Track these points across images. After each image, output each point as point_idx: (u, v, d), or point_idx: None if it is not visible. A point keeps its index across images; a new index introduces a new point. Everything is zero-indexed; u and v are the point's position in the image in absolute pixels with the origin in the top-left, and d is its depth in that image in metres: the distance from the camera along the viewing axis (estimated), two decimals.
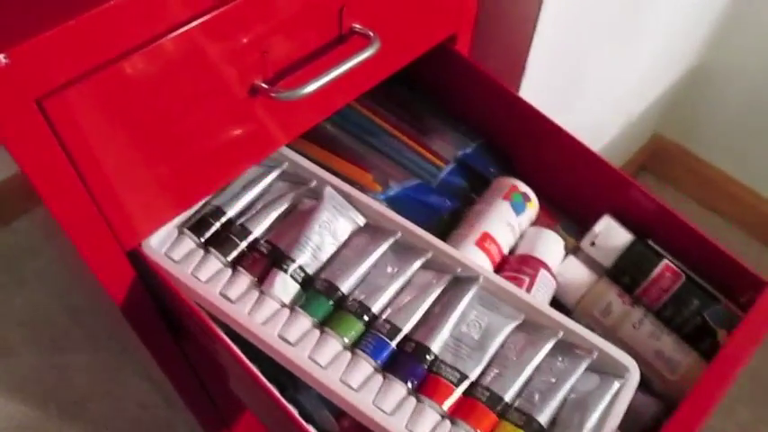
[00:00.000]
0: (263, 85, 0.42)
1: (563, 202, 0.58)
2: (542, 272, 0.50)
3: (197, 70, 0.38)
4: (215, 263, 0.46)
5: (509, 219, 0.52)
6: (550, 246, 0.52)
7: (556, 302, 0.52)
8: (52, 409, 1.09)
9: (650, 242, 0.53)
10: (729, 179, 1.33)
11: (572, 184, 0.57)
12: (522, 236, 0.53)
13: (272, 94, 0.42)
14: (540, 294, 0.49)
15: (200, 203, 0.49)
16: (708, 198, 1.34)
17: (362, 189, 0.52)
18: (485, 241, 0.50)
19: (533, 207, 0.54)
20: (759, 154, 1.28)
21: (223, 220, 0.48)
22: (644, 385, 0.50)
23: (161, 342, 0.53)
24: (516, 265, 0.50)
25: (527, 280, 0.49)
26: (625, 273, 0.52)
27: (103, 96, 0.34)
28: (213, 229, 0.47)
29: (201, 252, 0.46)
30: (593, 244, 0.53)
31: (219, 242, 0.46)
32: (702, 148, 1.35)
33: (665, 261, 0.51)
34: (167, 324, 0.53)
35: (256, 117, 0.44)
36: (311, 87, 0.42)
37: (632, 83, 1.02)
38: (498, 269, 0.51)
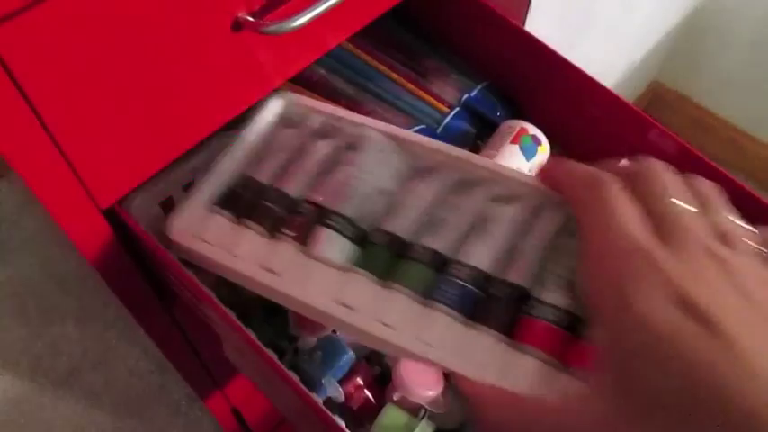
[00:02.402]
0: (248, 18, 0.37)
1: (575, 146, 0.54)
2: None
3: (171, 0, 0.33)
4: (252, 235, 0.40)
5: (519, 164, 0.48)
6: None
7: None
8: (44, 380, 1.06)
9: None
10: (729, 126, 1.31)
11: (585, 127, 0.53)
12: None
13: (259, 28, 0.37)
14: None
15: (222, 175, 0.43)
16: (707, 145, 1.31)
17: None
18: None
19: (544, 151, 0.50)
20: (759, 100, 1.25)
21: (253, 187, 0.42)
22: None
23: (148, 307, 0.50)
24: None
25: None
26: None
27: (61, 27, 0.29)
28: (244, 199, 0.41)
29: (236, 227, 0.40)
30: None
31: (255, 212, 0.40)
32: (702, 95, 1.31)
33: None
34: (154, 288, 0.49)
35: (241, 55, 0.39)
36: (301, 20, 0.38)
37: (636, 24, 0.97)
38: None
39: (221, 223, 0.41)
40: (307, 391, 0.38)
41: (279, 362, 0.40)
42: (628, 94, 1.26)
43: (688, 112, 1.33)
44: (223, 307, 0.40)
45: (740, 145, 1.31)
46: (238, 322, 0.39)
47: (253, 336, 0.39)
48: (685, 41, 1.24)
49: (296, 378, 0.40)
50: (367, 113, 0.48)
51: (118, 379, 1.09)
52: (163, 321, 0.52)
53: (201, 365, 0.62)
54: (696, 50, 1.25)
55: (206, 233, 0.41)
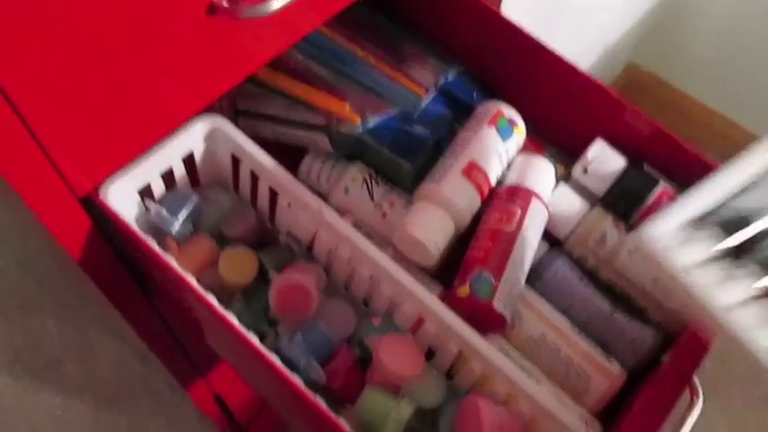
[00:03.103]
0: (224, 2, 0.37)
1: (550, 129, 0.55)
2: (534, 202, 0.47)
3: None
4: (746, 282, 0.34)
5: (496, 146, 0.48)
6: (541, 174, 0.49)
7: (548, 234, 0.50)
8: (24, 373, 1.05)
9: (646, 166, 0.50)
10: (705, 109, 1.32)
11: (559, 109, 0.54)
12: (509, 165, 0.50)
13: (234, 13, 0.37)
14: (532, 226, 0.46)
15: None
16: (683, 128, 1.33)
17: (339, 121, 0.48)
18: (471, 171, 0.47)
19: (521, 133, 0.51)
20: (735, 82, 1.26)
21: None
22: (641, 315, 0.48)
23: (129, 297, 0.49)
24: (506, 197, 0.47)
25: (519, 212, 0.46)
26: (620, 200, 0.49)
27: (31, 10, 0.29)
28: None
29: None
30: (585, 171, 0.50)
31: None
32: (677, 77, 1.32)
33: (662, 185, 0.49)
34: (134, 278, 0.49)
35: (217, 40, 0.39)
36: (278, 4, 0.37)
37: (611, 6, 0.98)
38: (487, 202, 0.48)
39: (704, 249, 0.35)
40: (288, 372, 0.38)
41: (260, 345, 0.40)
42: (603, 77, 1.27)
43: (664, 95, 1.34)
44: (203, 292, 0.40)
45: (716, 127, 1.33)
46: (218, 306, 0.39)
47: (233, 320, 0.39)
48: (661, 23, 1.25)
49: (278, 360, 0.40)
50: (344, 98, 0.48)
51: (99, 371, 1.08)
52: (144, 311, 0.51)
53: (183, 354, 0.62)
54: (672, 32, 1.26)
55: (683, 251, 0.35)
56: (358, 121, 0.47)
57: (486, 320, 0.44)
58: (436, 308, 0.42)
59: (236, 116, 0.53)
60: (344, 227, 0.44)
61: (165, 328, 0.55)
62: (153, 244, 0.41)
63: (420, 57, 0.56)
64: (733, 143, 1.32)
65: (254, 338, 0.40)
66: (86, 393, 1.07)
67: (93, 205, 0.40)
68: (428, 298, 0.42)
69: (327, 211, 0.45)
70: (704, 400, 0.45)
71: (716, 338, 0.35)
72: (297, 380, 0.39)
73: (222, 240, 0.49)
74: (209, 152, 0.49)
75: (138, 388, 1.06)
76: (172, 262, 0.40)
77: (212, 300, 0.40)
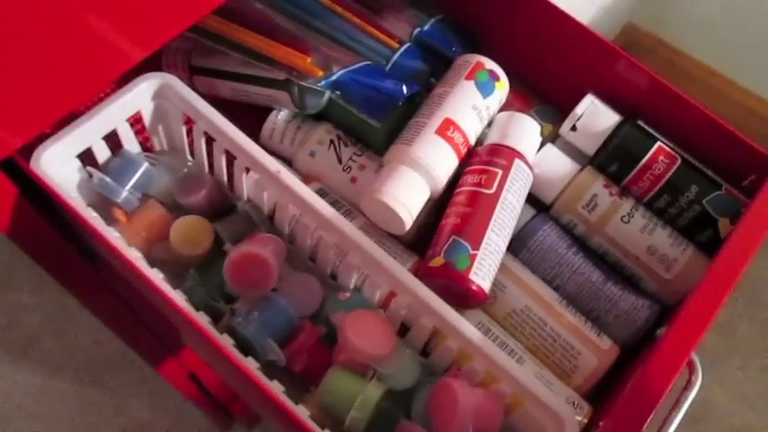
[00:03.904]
0: None
1: (538, 83, 0.50)
2: (517, 162, 0.42)
3: None
4: None
5: (475, 101, 0.44)
6: (525, 132, 0.44)
7: (533, 198, 0.45)
8: (3, 351, 1.02)
9: (640, 122, 0.45)
10: (707, 69, 1.27)
11: (548, 61, 0.49)
12: (491, 123, 0.46)
13: None
14: (515, 188, 0.42)
15: None
16: (685, 90, 1.28)
17: (300, 75, 0.43)
18: (447, 129, 0.42)
19: (503, 88, 0.46)
20: (738, 41, 1.21)
21: None
22: (635, 286, 0.44)
23: (74, 273, 0.45)
24: (486, 156, 0.43)
25: (499, 173, 0.42)
26: (612, 159, 0.45)
27: None
28: None
29: None
30: (574, 128, 0.46)
31: None
32: (678, 37, 1.27)
33: (659, 143, 0.44)
34: (83, 252, 0.45)
35: None
36: None
37: None
38: (465, 163, 0.44)
39: None
40: (237, 354, 0.34)
41: (208, 325, 0.36)
42: None
43: (664, 56, 1.28)
44: (144, 267, 0.36)
45: (718, 88, 1.27)
46: (158, 282, 0.35)
47: (176, 296, 0.35)
48: None
49: (229, 342, 0.36)
50: (306, 50, 0.43)
51: (79, 347, 1.05)
52: (94, 287, 0.47)
53: (149, 331, 0.58)
54: None
55: None
56: (320, 74, 0.42)
57: (463, 293, 0.40)
58: (407, 280, 0.38)
59: (191, 74, 0.48)
60: (306, 193, 0.40)
61: (121, 306, 0.51)
62: (87, 213, 0.36)
63: (397, 7, 0.51)
64: (736, 103, 1.27)
65: (200, 317, 0.36)
66: (67, 371, 1.04)
67: (19, 170, 0.36)
68: (398, 270, 0.38)
69: (287, 176, 0.40)
70: (703, 373, 0.42)
71: None
72: (250, 363, 0.36)
73: (177, 210, 0.44)
74: (159, 113, 0.44)
75: (119, 364, 1.03)
76: (108, 232, 0.36)
77: (152, 274, 0.36)
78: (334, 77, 0.42)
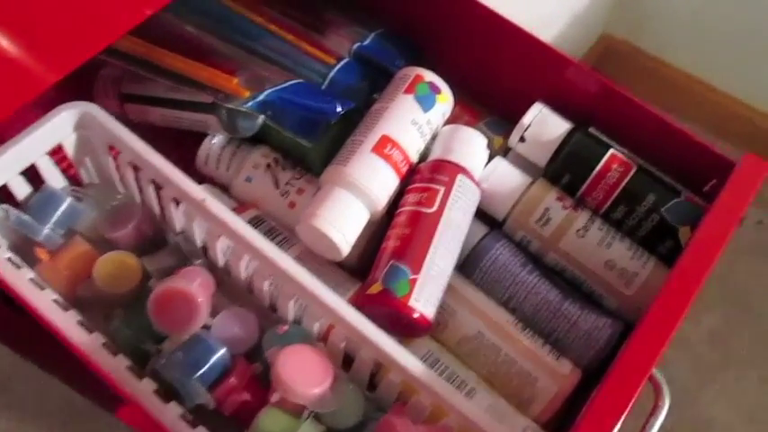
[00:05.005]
0: None
1: (487, 94, 0.48)
2: (460, 178, 0.40)
3: None
4: None
5: (415, 116, 0.41)
6: (470, 145, 0.42)
7: (482, 214, 0.43)
8: None
9: (592, 130, 0.43)
10: (685, 75, 1.25)
11: (495, 70, 0.47)
12: (434, 138, 0.43)
13: None
14: (459, 206, 0.39)
15: None
16: (664, 98, 1.25)
17: (226, 97, 0.41)
18: (384, 147, 0.40)
19: (446, 100, 0.44)
20: (714, 46, 1.19)
21: None
22: (595, 304, 0.41)
23: None
24: (428, 173, 0.40)
25: (441, 190, 0.39)
26: (564, 170, 0.42)
27: None
28: None
29: None
30: (522, 139, 0.43)
31: None
32: (655, 45, 1.25)
33: (612, 150, 0.42)
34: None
35: None
36: None
37: None
38: (406, 181, 0.41)
39: None
40: (154, 402, 0.31)
41: (124, 371, 0.33)
42: (576, 48, 1.20)
43: (642, 63, 1.26)
44: (50, 310, 0.33)
45: (697, 94, 1.25)
46: (59, 322, 0.32)
47: (84, 339, 0.32)
48: None
49: (149, 388, 0.34)
50: (233, 71, 0.41)
51: (52, 390, 1.01)
52: (23, 334, 0.44)
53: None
54: None
55: None
56: (246, 95, 0.40)
57: (405, 321, 0.37)
58: (342, 311, 0.35)
59: (122, 102, 0.46)
60: (234, 221, 0.37)
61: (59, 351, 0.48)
62: None
63: (337, 23, 0.49)
64: (716, 108, 1.24)
65: (115, 362, 0.33)
66: (41, 417, 1.01)
67: None
68: (332, 300, 0.35)
69: (213, 204, 0.38)
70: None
71: None
72: (171, 409, 0.33)
73: (106, 245, 0.42)
74: (83, 144, 0.42)
75: (92, 409, 0.99)
76: (9, 274, 0.33)
77: (60, 317, 0.33)
78: (261, 98, 0.40)
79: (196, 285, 0.37)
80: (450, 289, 0.39)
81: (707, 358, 1.03)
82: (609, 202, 0.41)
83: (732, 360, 1.04)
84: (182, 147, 0.46)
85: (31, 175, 0.41)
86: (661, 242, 0.41)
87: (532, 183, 0.42)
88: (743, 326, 1.07)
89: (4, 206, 0.39)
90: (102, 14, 0.36)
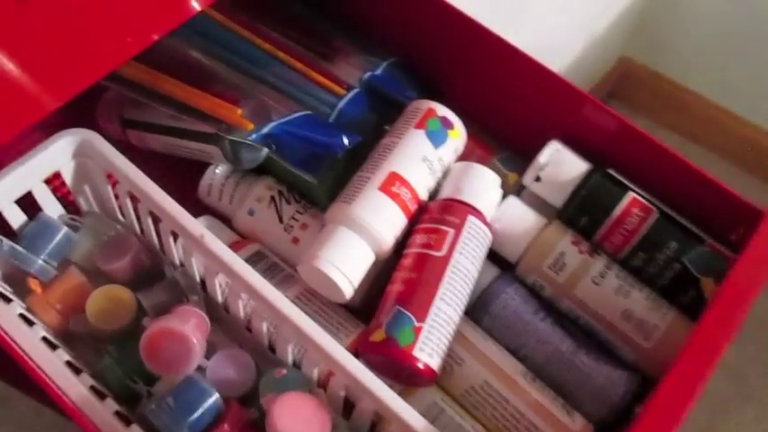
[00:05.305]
0: None
1: (501, 129, 0.46)
2: (471, 219, 0.38)
3: None
4: None
5: (425, 152, 0.40)
6: (482, 184, 0.40)
7: (494, 256, 0.41)
8: None
9: (611, 171, 0.41)
10: (707, 102, 1.22)
11: (509, 105, 0.45)
12: (445, 175, 0.41)
13: None
14: (469, 249, 0.37)
15: None
16: (684, 125, 1.23)
17: (229, 129, 0.39)
18: (392, 184, 0.38)
19: (458, 136, 0.42)
20: (737, 73, 1.16)
21: None
22: (611, 355, 0.39)
23: None
24: (437, 213, 0.38)
25: (451, 232, 0.37)
26: (581, 212, 0.40)
27: None
28: None
29: None
30: (538, 179, 0.41)
31: None
32: (675, 70, 1.23)
33: (632, 194, 0.40)
34: None
35: None
36: None
37: None
38: (415, 221, 0.39)
39: None
40: None
41: (112, 417, 0.31)
42: (593, 72, 1.18)
43: (661, 89, 1.24)
44: (35, 347, 0.32)
45: (720, 123, 1.22)
46: (39, 360, 0.31)
47: (63, 380, 0.31)
48: (652, 12, 1.15)
49: None
50: (236, 101, 0.40)
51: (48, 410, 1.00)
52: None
53: None
54: (665, 22, 1.17)
55: None
56: (250, 127, 0.38)
57: (409, 372, 0.35)
58: (341, 358, 0.33)
59: (124, 128, 0.45)
60: (231, 258, 0.36)
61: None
62: None
63: (348, 51, 0.48)
64: (740, 138, 1.22)
65: (103, 406, 0.31)
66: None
67: None
68: (331, 346, 0.34)
69: (212, 240, 0.36)
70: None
71: None
72: None
73: (101, 278, 0.40)
74: (82, 171, 0.41)
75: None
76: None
77: (44, 355, 0.31)
78: (265, 130, 0.38)
79: (191, 326, 0.36)
80: (457, 335, 0.37)
81: (723, 394, 1.00)
82: (628, 249, 0.39)
83: (749, 398, 1.01)
84: (186, 172, 0.45)
85: (28, 201, 0.40)
86: (683, 292, 0.39)
87: (547, 225, 0.40)
88: (761, 361, 1.04)
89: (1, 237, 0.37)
90: (108, 39, 0.34)
